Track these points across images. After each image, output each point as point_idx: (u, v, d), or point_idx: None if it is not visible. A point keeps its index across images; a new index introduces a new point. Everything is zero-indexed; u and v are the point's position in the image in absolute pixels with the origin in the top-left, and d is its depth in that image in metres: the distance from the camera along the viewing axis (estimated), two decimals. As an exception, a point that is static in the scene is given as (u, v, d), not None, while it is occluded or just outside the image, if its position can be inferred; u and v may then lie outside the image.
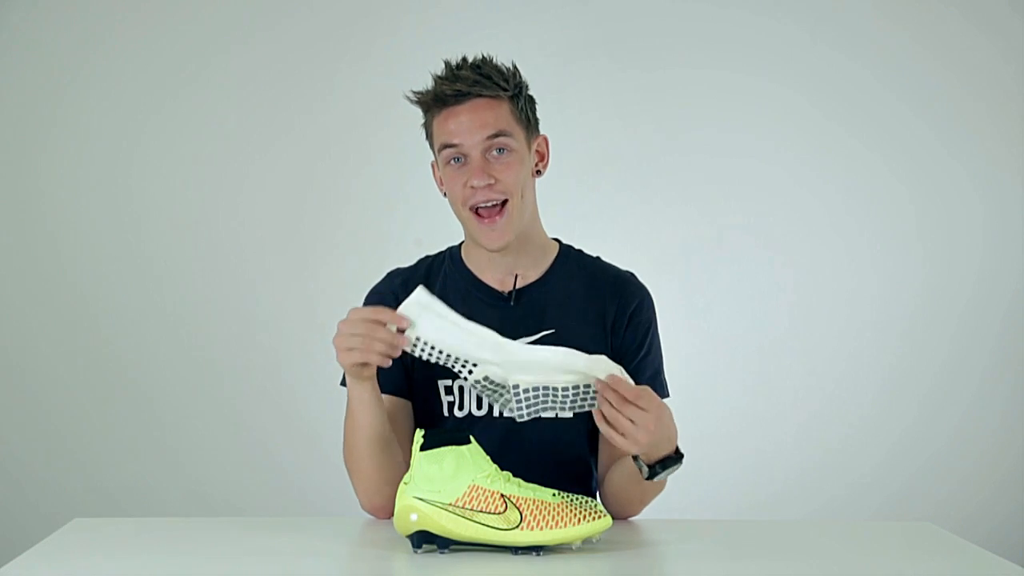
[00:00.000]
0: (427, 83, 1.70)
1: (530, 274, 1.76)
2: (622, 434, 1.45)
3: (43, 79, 3.09)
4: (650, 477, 1.53)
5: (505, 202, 1.67)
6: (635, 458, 1.54)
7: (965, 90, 3.16)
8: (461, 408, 1.72)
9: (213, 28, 3.12)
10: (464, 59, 1.69)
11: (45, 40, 3.09)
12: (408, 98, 1.71)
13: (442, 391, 1.73)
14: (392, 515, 1.65)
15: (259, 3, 3.13)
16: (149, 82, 3.10)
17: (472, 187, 1.66)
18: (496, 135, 1.66)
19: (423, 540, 1.40)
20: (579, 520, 1.38)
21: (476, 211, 1.68)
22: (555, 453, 1.72)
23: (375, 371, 1.56)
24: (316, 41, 3.13)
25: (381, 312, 1.50)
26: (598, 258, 1.83)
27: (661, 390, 1.76)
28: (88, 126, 3.10)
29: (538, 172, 1.76)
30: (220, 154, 3.12)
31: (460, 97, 1.66)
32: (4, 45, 3.09)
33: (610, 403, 1.44)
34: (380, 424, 1.61)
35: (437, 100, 1.67)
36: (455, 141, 1.67)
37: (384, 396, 1.67)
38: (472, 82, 1.66)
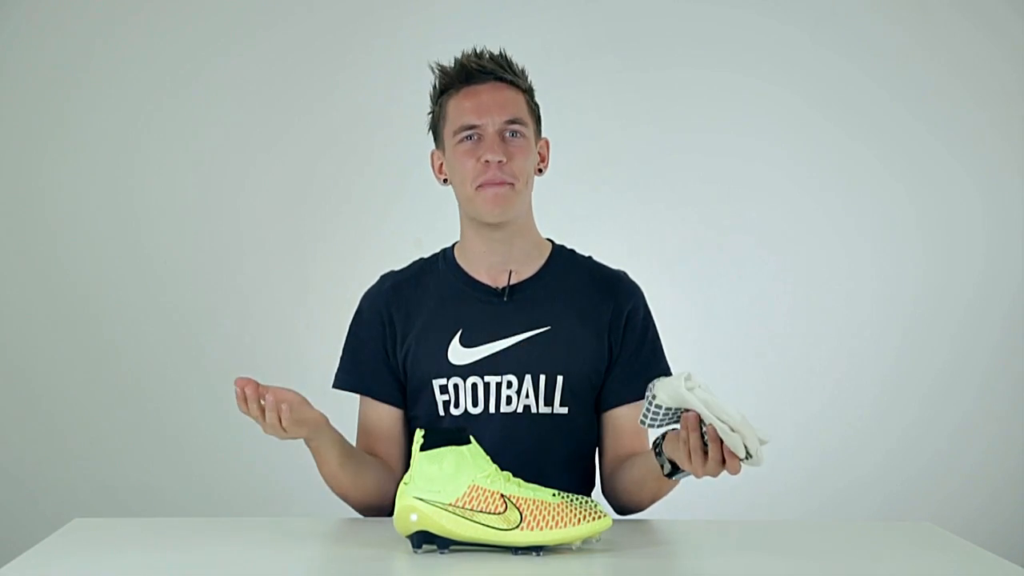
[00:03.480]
0: (430, 80, 1.75)
1: (524, 271, 1.78)
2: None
3: (43, 79, 3.08)
4: (671, 475, 1.55)
5: (512, 185, 1.70)
6: (658, 454, 1.56)
7: (965, 90, 3.15)
8: (457, 406, 1.73)
9: (212, 28, 3.11)
10: (484, 49, 1.75)
11: (45, 39, 3.08)
12: (432, 68, 1.75)
13: (437, 390, 1.74)
14: (388, 513, 1.67)
15: (259, 3, 3.13)
16: (147, 83, 3.09)
17: (486, 162, 1.68)
18: (513, 120, 1.71)
19: (423, 540, 1.40)
20: (579, 520, 1.38)
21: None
22: (551, 450, 1.73)
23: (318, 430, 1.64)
24: (317, 39, 3.12)
25: None
26: (590, 258, 1.85)
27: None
28: (88, 126, 3.09)
29: (539, 171, 1.79)
30: (220, 154, 3.11)
31: (483, 75, 1.71)
32: (4, 44, 3.09)
33: (703, 451, 1.44)
34: (343, 449, 1.69)
35: (461, 73, 1.72)
36: (474, 121, 1.70)
37: (376, 403, 1.78)
38: (496, 64, 1.73)
